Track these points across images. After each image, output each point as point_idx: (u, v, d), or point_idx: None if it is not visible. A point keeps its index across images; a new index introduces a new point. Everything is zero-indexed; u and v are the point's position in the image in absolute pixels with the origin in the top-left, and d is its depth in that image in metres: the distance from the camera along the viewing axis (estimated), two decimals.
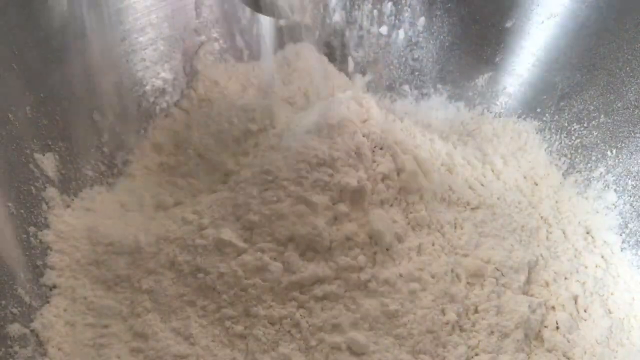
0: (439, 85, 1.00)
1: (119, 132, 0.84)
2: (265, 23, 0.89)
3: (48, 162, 0.75)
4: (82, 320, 0.68)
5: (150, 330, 0.66)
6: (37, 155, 0.73)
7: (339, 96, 0.80)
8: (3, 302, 0.64)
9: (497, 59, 0.97)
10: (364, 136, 0.75)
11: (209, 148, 0.83)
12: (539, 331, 0.72)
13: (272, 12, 0.80)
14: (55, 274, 0.70)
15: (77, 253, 0.72)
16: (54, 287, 0.70)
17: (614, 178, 0.84)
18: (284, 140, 0.76)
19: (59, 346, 0.66)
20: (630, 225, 0.81)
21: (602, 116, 0.86)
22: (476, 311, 0.71)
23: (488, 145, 0.93)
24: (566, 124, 0.90)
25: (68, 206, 0.76)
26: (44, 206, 0.73)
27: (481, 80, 0.98)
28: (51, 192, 0.74)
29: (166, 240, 0.72)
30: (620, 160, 0.83)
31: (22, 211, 0.70)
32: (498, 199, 0.82)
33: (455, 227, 0.77)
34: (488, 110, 0.98)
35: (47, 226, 0.73)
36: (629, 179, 0.82)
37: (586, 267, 0.78)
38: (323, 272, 0.68)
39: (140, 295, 0.69)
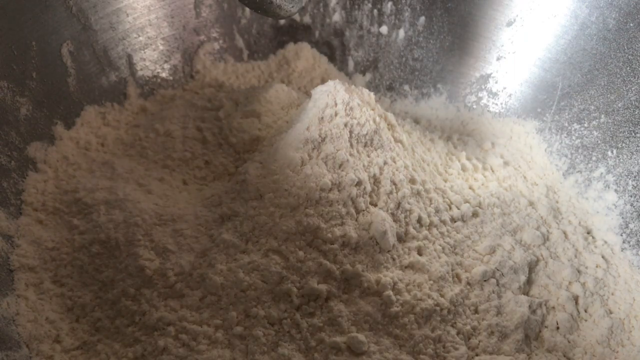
0: (439, 85, 1.00)
1: None
2: None
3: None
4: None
5: (150, 330, 0.66)
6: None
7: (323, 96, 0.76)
8: None
9: (497, 59, 0.97)
10: (354, 133, 0.74)
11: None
12: (539, 331, 0.72)
13: (271, 12, 0.79)
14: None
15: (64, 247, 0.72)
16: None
17: (614, 178, 0.83)
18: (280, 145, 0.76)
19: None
20: (630, 226, 0.81)
21: (602, 116, 0.86)
22: (476, 312, 0.71)
23: (488, 145, 0.93)
24: (566, 124, 0.90)
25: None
26: None
27: (481, 81, 0.98)
28: None
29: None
30: (621, 160, 0.83)
31: None
32: (498, 199, 0.82)
33: (455, 227, 0.76)
34: (488, 110, 0.98)
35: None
36: (629, 179, 0.82)
37: (586, 267, 0.78)
38: (323, 273, 0.67)
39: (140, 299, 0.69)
